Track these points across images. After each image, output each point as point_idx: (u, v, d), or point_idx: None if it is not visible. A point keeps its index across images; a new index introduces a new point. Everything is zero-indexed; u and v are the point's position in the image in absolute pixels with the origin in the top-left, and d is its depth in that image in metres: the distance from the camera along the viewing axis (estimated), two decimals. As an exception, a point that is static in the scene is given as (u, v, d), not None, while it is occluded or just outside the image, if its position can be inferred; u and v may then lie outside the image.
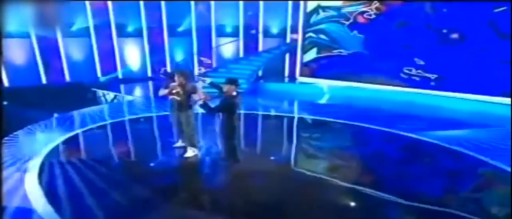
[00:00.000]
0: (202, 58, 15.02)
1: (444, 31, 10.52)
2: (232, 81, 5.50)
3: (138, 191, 4.90)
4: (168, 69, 14.91)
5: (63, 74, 13.22)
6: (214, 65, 15.09)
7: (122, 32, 14.12)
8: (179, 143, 6.39)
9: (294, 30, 14.19)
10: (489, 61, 9.96)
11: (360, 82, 12.20)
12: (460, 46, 10.38)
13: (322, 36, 13.04)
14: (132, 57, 14.62)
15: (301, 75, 13.74)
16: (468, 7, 10.01)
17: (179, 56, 15.24)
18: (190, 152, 6.06)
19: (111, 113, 9.60)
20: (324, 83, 12.88)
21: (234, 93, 5.36)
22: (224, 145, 5.58)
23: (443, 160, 6.43)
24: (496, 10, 9.63)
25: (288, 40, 14.58)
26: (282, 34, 14.81)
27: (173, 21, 14.85)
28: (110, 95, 12.26)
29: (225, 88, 5.39)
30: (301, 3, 13.38)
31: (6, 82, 11.99)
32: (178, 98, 5.69)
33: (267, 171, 5.65)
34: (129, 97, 11.76)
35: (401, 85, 11.49)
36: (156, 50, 14.82)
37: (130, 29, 14.31)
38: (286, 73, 14.85)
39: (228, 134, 5.35)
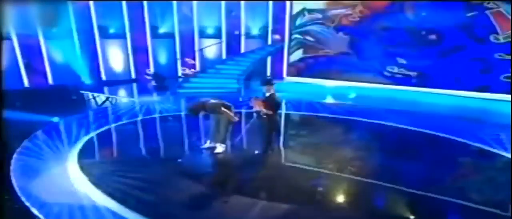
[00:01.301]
0: (186, 59, 15.20)
1: (423, 32, 11.70)
2: (268, 82, 6.14)
3: (184, 183, 5.44)
4: (152, 69, 14.99)
5: (46, 77, 12.88)
6: (198, 66, 15.35)
7: (104, 34, 14.00)
8: (208, 144, 6.76)
9: (277, 31, 14.80)
10: (463, 60, 11.29)
11: (345, 80, 13.12)
12: (437, 46, 11.62)
13: (308, 38, 13.83)
14: (116, 59, 14.50)
15: (288, 74, 14.42)
16: (443, 11, 11.26)
17: (163, 58, 15.36)
18: (220, 148, 6.55)
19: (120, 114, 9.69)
20: (312, 82, 13.68)
21: (272, 91, 5.96)
22: (267, 140, 6.16)
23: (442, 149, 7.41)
24: (469, 15, 10.93)
25: (269, 42, 15.20)
26: (264, 35, 15.40)
27: (156, 23, 14.94)
28: (101, 97, 12.16)
29: (264, 88, 6.02)
30: (287, 5, 14.03)
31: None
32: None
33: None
34: (124, 99, 11.74)
35: (385, 83, 12.58)
36: (139, 51, 14.81)
37: (112, 30, 14.21)
38: (269, 73, 15.46)
39: (272, 130, 5.99)
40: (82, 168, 5.86)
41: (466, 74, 11.41)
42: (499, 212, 4.62)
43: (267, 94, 6.03)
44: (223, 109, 6.16)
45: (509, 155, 6.58)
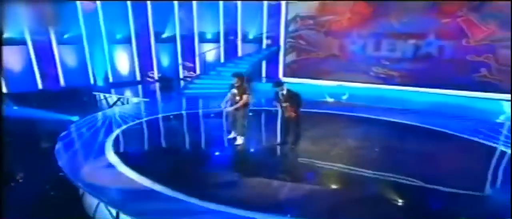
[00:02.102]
0: (186, 63, 16.15)
1: (405, 37, 12.93)
2: (278, 83, 7.06)
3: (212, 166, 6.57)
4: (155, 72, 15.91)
5: (58, 80, 13.63)
6: (198, 69, 16.27)
7: (112, 39, 14.81)
8: (232, 134, 7.72)
9: (273, 36, 15.84)
10: (441, 61, 12.61)
11: (335, 80, 14.23)
12: (418, 49, 12.91)
13: (301, 41, 14.93)
14: (123, 62, 15.32)
15: (284, 75, 15.48)
16: (422, 18, 12.49)
17: (166, 61, 16.20)
18: (240, 140, 7.49)
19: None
20: (305, 82, 14.72)
21: (285, 88, 6.90)
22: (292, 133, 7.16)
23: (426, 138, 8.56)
24: (443, 21, 12.20)
25: (264, 46, 16.25)
26: (259, 39, 16.41)
27: (159, 28, 15.79)
28: (113, 98, 12.96)
29: (278, 89, 6.93)
30: (282, 12, 15.10)
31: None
32: (236, 98, 7.12)
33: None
34: (134, 99, 12.54)
35: (371, 82, 13.77)
36: (144, 55, 15.67)
37: (119, 36, 15.03)
38: (264, 74, 16.49)
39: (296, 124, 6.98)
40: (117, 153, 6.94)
41: (444, 74, 12.65)
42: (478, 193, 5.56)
43: (284, 92, 6.84)
44: (245, 97, 7.03)
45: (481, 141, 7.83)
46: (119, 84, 14.87)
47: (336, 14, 14.10)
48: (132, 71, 15.70)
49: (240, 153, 7.30)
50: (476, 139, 8.04)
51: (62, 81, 13.77)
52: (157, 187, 5.43)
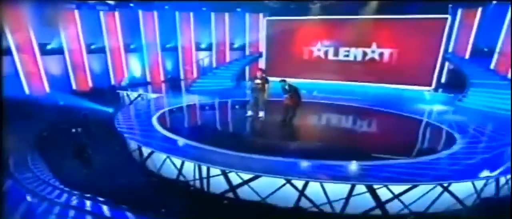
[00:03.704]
0: (187, 67, 18.33)
1: (355, 45, 15.92)
2: (283, 80, 9.47)
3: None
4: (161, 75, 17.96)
5: (87, 82, 15.50)
6: (195, 71, 18.44)
7: (128, 49, 16.76)
8: (249, 113, 10.45)
9: (254, 45, 18.36)
10: (380, 63, 15.68)
11: (305, 78, 16.90)
12: (364, 55, 15.93)
13: (278, 49, 17.61)
14: (136, 67, 17.30)
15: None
16: (368, 31, 15.45)
17: (170, 65, 18.25)
18: (262, 114, 10.30)
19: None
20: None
21: (287, 83, 9.35)
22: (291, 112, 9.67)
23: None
24: (383, 34, 15.23)
25: (247, 53, 18.69)
26: (243, 47, 18.83)
27: (164, 40, 17.82)
28: (134, 94, 14.91)
29: (283, 83, 9.35)
30: (263, 26, 17.65)
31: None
32: (259, 85, 9.82)
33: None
34: (153, 95, 14.55)
35: (332, 79, 16.66)
36: (154, 61, 17.71)
37: (133, 46, 16.99)
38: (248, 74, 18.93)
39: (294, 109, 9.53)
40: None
41: (383, 72, 15.73)
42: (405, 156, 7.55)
43: (286, 87, 9.22)
44: (267, 85, 9.83)
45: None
46: (134, 84, 16.80)
47: (305, 28, 16.89)
48: (143, 74, 17.65)
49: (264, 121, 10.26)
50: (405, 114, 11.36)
51: (90, 83, 15.63)
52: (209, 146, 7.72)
